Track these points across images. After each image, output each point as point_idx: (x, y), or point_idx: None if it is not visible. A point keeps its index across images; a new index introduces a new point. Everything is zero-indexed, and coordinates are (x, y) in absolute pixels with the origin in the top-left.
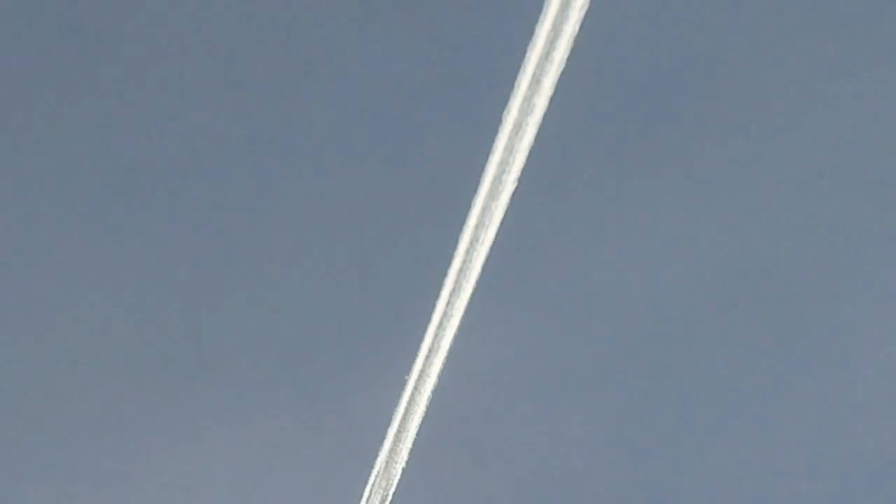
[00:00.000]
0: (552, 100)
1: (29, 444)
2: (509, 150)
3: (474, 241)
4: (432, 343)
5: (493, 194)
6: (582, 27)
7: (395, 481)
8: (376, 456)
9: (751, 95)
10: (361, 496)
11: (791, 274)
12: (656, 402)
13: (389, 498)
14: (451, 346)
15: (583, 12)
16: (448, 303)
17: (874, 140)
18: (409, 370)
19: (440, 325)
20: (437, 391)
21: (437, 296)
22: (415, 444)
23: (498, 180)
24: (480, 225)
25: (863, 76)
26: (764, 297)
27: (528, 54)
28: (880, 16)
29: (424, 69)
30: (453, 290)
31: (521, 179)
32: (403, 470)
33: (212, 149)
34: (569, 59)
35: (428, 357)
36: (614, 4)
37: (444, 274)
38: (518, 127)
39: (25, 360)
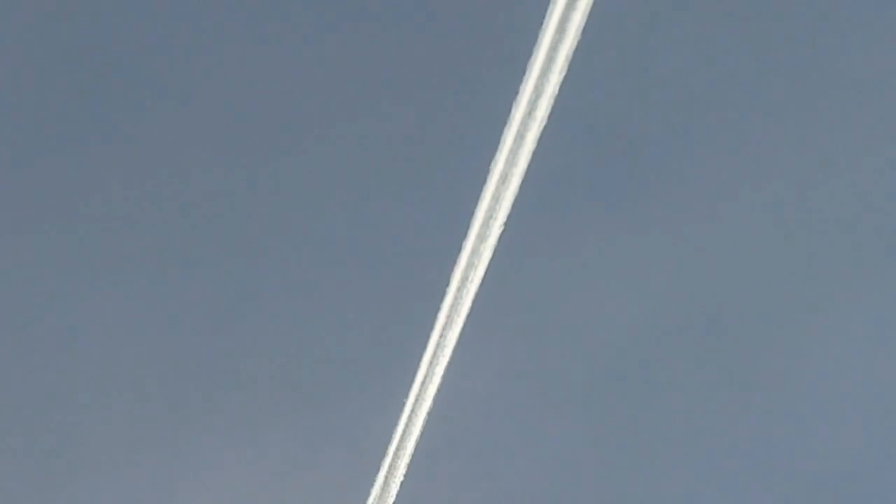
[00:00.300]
0: (534, 154)
1: (69, 456)
2: (496, 198)
3: (465, 279)
4: (427, 370)
5: (481, 237)
6: (562, 87)
7: (395, 492)
8: (378, 470)
9: (719, 156)
10: None
11: (745, 315)
12: (628, 423)
13: None
14: (444, 373)
15: (562, 75)
16: (441, 335)
17: (828, 199)
18: (406, 394)
19: (434, 355)
20: (432, 412)
21: (431, 328)
22: (412, 458)
23: (486, 226)
24: (470, 265)
25: (820, 142)
26: (721, 334)
27: (512, 112)
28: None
29: (419, 126)
30: (446, 323)
31: (507, 224)
32: (402, 482)
33: (225, 204)
34: (550, 116)
35: (423, 383)
36: (593, 65)
37: (437, 308)
38: (504, 178)
39: (71, 387)
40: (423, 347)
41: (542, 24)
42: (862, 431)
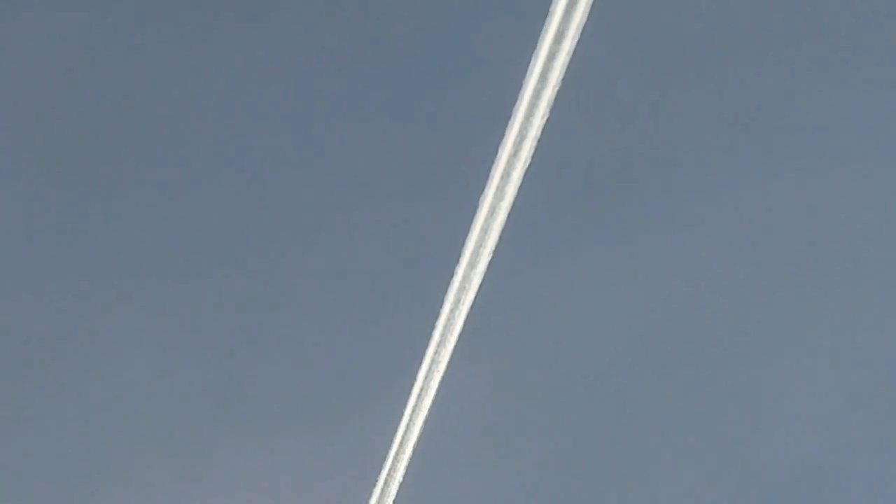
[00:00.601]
0: (520, 189)
1: (88, 463)
2: (485, 229)
3: (458, 297)
4: (424, 381)
5: (472, 263)
6: (545, 129)
7: (394, 495)
8: (378, 474)
9: (706, 173)
10: None
11: (732, 326)
12: (619, 430)
13: None
14: (440, 383)
15: (545, 118)
16: (437, 348)
17: (799, 229)
18: (405, 403)
19: (431, 367)
20: (428, 420)
21: (427, 342)
22: (410, 462)
23: (476, 253)
24: (462, 288)
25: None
26: (705, 347)
27: (499, 152)
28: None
29: (419, 153)
30: (440, 339)
31: (496, 253)
32: (400, 486)
33: (232, 225)
34: (533, 156)
35: (421, 393)
36: (576, 108)
37: (433, 324)
38: (492, 210)
39: (100, 400)
40: (420, 360)
41: (528, 65)
42: (852, 437)
